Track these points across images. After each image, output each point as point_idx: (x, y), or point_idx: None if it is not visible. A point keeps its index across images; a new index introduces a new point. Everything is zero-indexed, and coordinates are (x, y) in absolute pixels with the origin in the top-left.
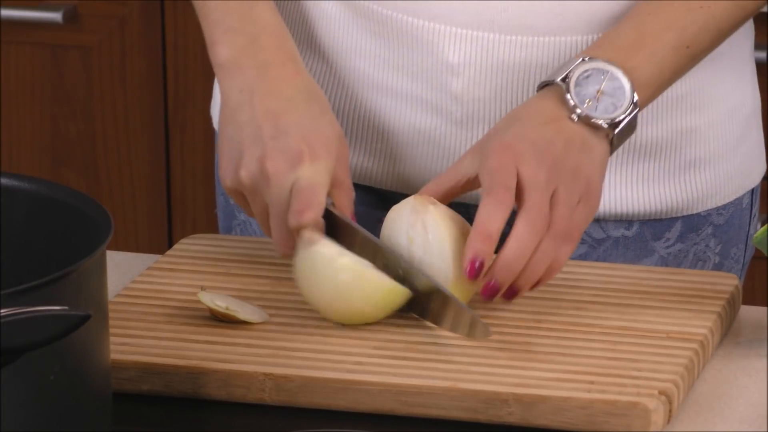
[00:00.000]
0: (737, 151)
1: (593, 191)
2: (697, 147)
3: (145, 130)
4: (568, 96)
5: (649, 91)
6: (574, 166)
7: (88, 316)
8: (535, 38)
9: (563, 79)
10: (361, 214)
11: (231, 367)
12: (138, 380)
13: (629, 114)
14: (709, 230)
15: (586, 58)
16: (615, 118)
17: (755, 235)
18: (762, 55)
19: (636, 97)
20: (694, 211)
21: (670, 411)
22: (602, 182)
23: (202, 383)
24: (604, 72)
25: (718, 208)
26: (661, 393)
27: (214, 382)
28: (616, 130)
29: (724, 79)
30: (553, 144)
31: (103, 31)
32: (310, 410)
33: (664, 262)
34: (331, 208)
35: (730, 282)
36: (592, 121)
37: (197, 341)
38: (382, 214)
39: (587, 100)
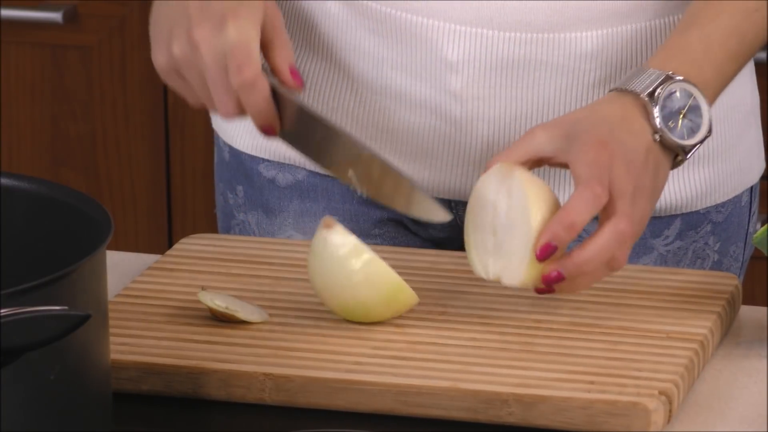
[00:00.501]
0: (736, 148)
1: (646, 217)
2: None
3: (145, 130)
4: (655, 114)
5: (712, 102)
6: (649, 187)
7: (88, 316)
8: (535, 35)
9: (650, 95)
10: (361, 213)
11: (231, 367)
12: (138, 380)
13: (703, 141)
14: (708, 228)
15: (671, 75)
16: (689, 144)
17: (755, 235)
18: (762, 55)
19: (711, 125)
20: (693, 209)
21: (670, 411)
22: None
23: (202, 383)
24: (688, 94)
25: (717, 206)
26: (661, 393)
27: (214, 382)
28: (687, 155)
29: None
30: (639, 157)
31: (103, 31)
32: (310, 410)
33: (663, 259)
34: (272, 81)
35: (730, 282)
36: (671, 143)
37: (197, 341)
38: (382, 212)
39: (669, 122)
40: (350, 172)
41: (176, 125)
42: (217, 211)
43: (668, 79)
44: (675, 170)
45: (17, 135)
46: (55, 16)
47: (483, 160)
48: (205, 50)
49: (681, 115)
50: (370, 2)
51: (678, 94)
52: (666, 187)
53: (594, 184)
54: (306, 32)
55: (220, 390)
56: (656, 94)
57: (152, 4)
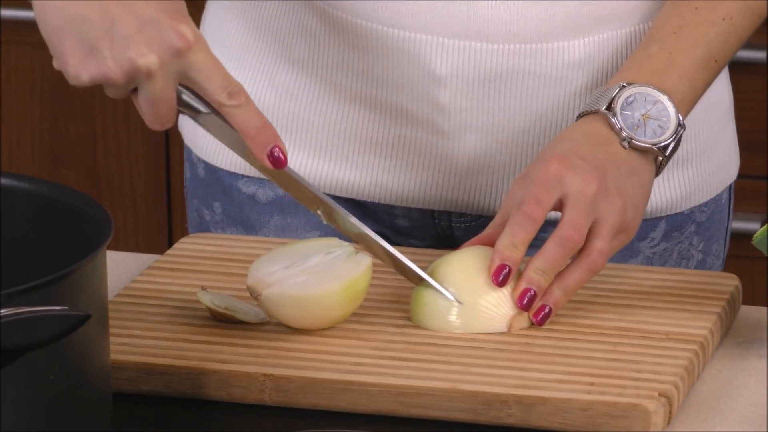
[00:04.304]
0: (717, 147)
1: (635, 219)
2: (680, 146)
3: (145, 130)
4: (615, 122)
5: (686, 109)
6: (623, 190)
7: (88, 316)
8: (523, 46)
9: (608, 107)
10: None
11: (231, 367)
12: (138, 380)
13: (676, 136)
14: (693, 228)
15: (626, 84)
16: (662, 142)
17: (755, 236)
18: (761, 54)
19: (681, 119)
20: (678, 210)
21: (670, 412)
22: (645, 210)
23: (202, 383)
24: (647, 96)
25: (700, 206)
26: (661, 394)
27: (214, 382)
28: (666, 152)
29: None
30: (605, 164)
31: None
32: (310, 411)
33: (649, 261)
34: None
35: (730, 282)
36: (641, 145)
37: (197, 341)
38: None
39: (634, 126)
40: (319, 210)
41: (176, 125)
42: (190, 227)
43: (624, 88)
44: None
45: (17, 135)
46: None
47: (469, 171)
48: (162, 74)
49: (644, 117)
50: (353, 19)
51: (636, 98)
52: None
53: (526, 203)
54: (285, 47)
55: (220, 390)
56: (613, 104)
57: (39, 3)
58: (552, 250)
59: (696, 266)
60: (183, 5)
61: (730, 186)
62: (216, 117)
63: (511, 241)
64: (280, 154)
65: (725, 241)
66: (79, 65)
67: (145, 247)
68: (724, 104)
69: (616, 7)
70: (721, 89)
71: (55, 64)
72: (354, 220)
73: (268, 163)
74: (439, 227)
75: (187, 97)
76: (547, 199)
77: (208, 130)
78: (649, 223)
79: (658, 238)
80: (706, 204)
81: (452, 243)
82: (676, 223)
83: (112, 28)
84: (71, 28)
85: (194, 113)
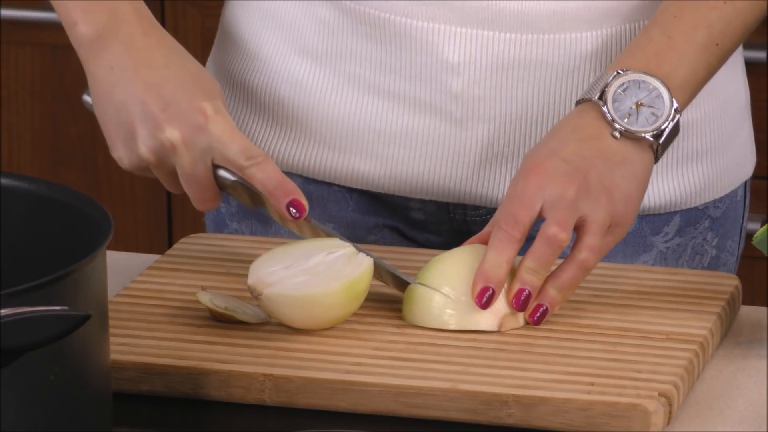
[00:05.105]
0: (732, 143)
1: (629, 211)
2: (695, 140)
3: None
4: (606, 111)
5: (687, 92)
6: (611, 185)
7: (88, 316)
8: (535, 36)
9: (600, 96)
10: (357, 220)
11: (231, 367)
12: (138, 381)
13: (671, 121)
14: (707, 223)
15: (621, 71)
16: (657, 128)
17: (755, 236)
18: (761, 54)
19: (675, 103)
20: (692, 205)
21: (670, 412)
22: (641, 199)
23: (202, 383)
24: (640, 83)
25: (714, 201)
26: (661, 395)
27: (214, 382)
28: (661, 140)
29: (719, 72)
30: (589, 161)
31: None
32: (310, 411)
33: (662, 256)
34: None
35: (730, 282)
36: (634, 134)
37: (197, 341)
38: (377, 219)
39: (627, 114)
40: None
41: None
42: (207, 220)
43: (618, 75)
44: (674, 167)
45: (17, 135)
46: (55, 16)
47: (481, 161)
48: (185, 150)
49: (637, 105)
50: (367, 9)
51: (630, 86)
52: (665, 185)
53: (504, 223)
54: (299, 39)
55: (220, 390)
56: (606, 92)
57: (92, 93)
58: (540, 249)
59: (710, 262)
60: (211, 83)
61: (745, 183)
62: (242, 184)
63: (496, 260)
64: (300, 205)
65: (740, 238)
66: (121, 150)
67: (145, 247)
68: (740, 100)
69: (628, 0)
70: (738, 85)
71: (112, 153)
72: (375, 257)
73: (287, 215)
74: (454, 221)
75: (219, 171)
76: (526, 216)
77: (239, 199)
78: (663, 218)
79: (672, 232)
80: (720, 200)
81: (469, 238)
82: (691, 218)
83: (142, 110)
84: (112, 116)
85: (227, 185)
